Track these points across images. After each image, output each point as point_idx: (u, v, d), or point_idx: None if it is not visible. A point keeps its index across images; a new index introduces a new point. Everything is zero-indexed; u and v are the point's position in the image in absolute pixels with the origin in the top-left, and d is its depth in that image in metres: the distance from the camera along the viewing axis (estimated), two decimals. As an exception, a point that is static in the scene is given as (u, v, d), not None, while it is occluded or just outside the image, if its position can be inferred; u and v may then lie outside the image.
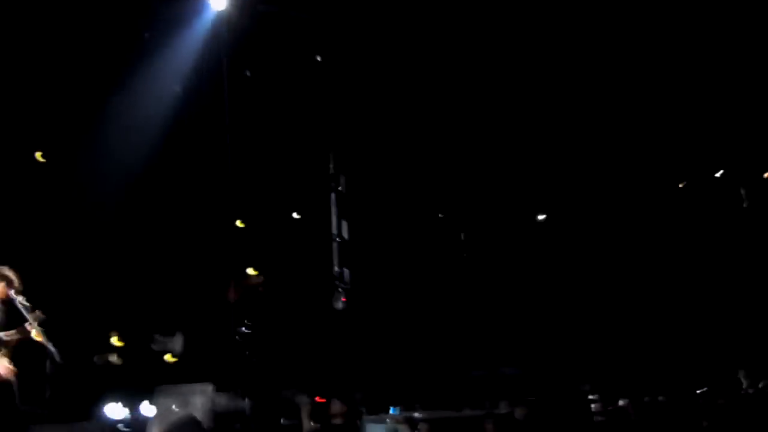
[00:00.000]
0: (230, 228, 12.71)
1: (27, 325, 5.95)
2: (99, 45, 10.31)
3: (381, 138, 11.18)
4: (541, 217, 12.49)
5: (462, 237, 11.74)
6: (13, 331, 5.96)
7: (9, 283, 6.07)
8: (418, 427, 7.31)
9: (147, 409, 9.23)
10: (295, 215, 12.39)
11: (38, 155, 11.36)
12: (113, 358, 11.96)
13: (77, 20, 9.86)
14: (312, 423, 7.14)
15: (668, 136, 11.45)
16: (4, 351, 5.91)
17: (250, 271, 11.81)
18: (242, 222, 12.75)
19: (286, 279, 10.89)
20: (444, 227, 11.78)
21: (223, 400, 8.36)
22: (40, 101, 10.36)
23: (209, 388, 8.18)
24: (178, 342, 9.28)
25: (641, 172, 11.98)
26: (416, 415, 7.84)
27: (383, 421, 7.83)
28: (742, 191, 11.49)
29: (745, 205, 11.48)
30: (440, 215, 11.84)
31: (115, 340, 12.46)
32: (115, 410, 9.52)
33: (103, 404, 9.64)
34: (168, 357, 10.96)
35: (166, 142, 11.48)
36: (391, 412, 7.56)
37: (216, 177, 11.59)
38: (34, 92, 10.14)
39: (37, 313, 6.03)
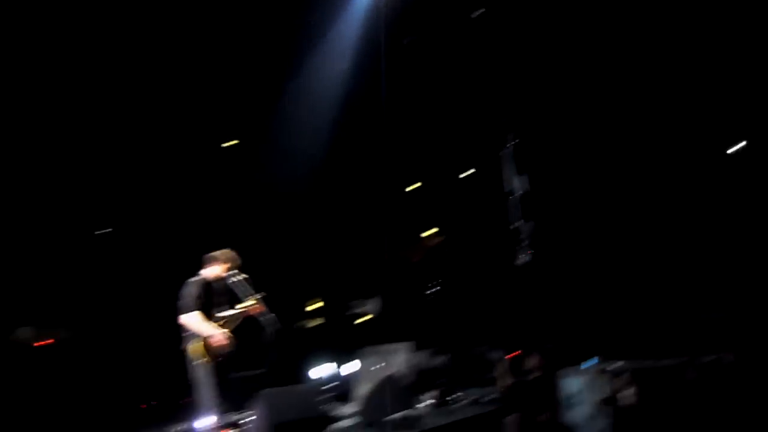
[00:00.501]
0: (405, 192, 13.17)
1: (247, 301, 6.64)
2: (270, 36, 10.97)
3: (549, 87, 10.83)
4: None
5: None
6: (238, 310, 6.68)
7: (229, 264, 6.79)
8: (619, 377, 7.16)
9: (352, 368, 9.93)
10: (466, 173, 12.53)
11: (229, 144, 12.54)
12: (316, 322, 13.00)
13: (248, 18, 10.55)
14: (509, 377, 7.25)
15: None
16: (229, 325, 6.69)
17: (430, 232, 12.15)
18: (415, 186, 13.17)
19: (468, 236, 11.05)
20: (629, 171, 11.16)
21: (422, 358, 8.77)
22: (226, 94, 11.32)
23: (410, 346, 8.60)
24: (374, 305, 9.81)
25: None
26: (615, 365, 7.68)
27: (582, 373, 7.74)
28: None
29: None
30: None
31: (314, 306, 13.55)
32: (323, 370, 10.37)
33: (313, 366, 10.54)
34: (362, 316, 11.67)
35: (339, 118, 12.09)
36: (589, 363, 7.45)
37: (387, 144, 12.00)
38: (218, 87, 11.07)
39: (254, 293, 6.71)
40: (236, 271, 6.82)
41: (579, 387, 8.06)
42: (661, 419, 6.86)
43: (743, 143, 11.07)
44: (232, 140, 12.39)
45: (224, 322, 6.71)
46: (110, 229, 11.09)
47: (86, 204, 10.61)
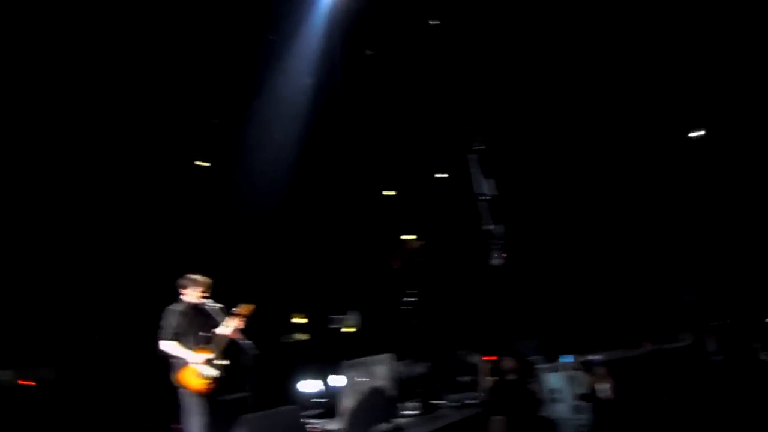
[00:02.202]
0: (381, 199, 13.28)
1: (224, 324, 6.71)
2: (233, 52, 11.02)
3: (513, 91, 10.99)
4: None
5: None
6: (224, 330, 6.74)
7: (203, 287, 6.87)
8: (595, 371, 7.32)
9: (336, 381, 10.00)
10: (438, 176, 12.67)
11: (199, 162, 12.57)
12: (299, 336, 13.05)
13: (211, 33, 10.59)
14: (488, 379, 7.39)
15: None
16: (213, 349, 6.74)
17: (408, 237, 12.26)
18: (390, 191, 13.28)
19: (441, 241, 11.17)
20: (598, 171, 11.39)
21: (404, 367, 8.87)
22: (194, 110, 11.34)
23: (391, 357, 8.69)
24: (353, 319, 9.90)
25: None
26: (591, 358, 7.82)
27: (560, 369, 7.90)
28: None
29: None
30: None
31: (298, 320, 13.61)
32: (311, 385, 10.44)
33: (299, 380, 10.60)
34: (345, 329, 11.75)
35: (307, 129, 12.17)
36: (565, 359, 7.60)
37: (358, 152, 12.13)
38: (187, 101, 11.10)
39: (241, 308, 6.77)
40: (208, 296, 6.86)
41: (559, 383, 8.25)
42: (638, 411, 7.02)
43: (702, 131, 11.36)
44: (202, 160, 12.44)
45: (207, 347, 6.76)
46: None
47: (62, 234, 10.59)
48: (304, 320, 13.28)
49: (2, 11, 8.65)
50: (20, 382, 8.18)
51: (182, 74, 10.71)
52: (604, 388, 7.07)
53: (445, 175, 12.74)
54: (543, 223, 10.77)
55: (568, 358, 7.73)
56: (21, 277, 9.79)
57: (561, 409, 8.22)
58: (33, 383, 8.18)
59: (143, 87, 10.45)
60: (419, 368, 8.74)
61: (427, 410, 8.22)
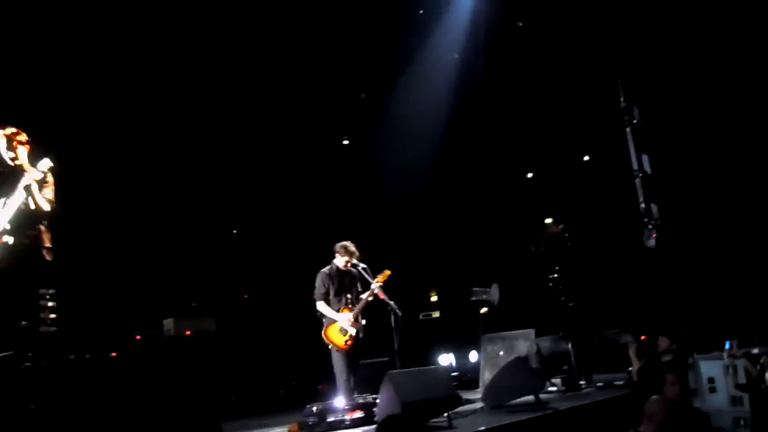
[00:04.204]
0: (525, 181, 13.04)
1: (373, 287, 6.99)
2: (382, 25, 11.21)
3: (675, 60, 10.28)
4: None
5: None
6: (366, 293, 7.08)
7: (352, 255, 7.21)
8: (761, 361, 6.75)
9: (476, 356, 10.00)
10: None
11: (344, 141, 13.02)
12: (435, 314, 13.20)
13: (360, 6, 10.83)
14: (640, 361, 7.05)
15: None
16: (358, 310, 7.05)
17: (548, 220, 11.97)
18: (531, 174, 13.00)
19: (592, 221, 10.78)
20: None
21: (546, 344, 8.70)
22: (342, 84, 11.70)
23: (531, 333, 8.57)
24: (494, 291, 9.84)
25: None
26: (755, 350, 7.25)
27: (720, 358, 7.38)
28: None
29: None
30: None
31: (433, 296, 13.77)
32: (450, 358, 10.53)
33: (438, 354, 10.73)
34: (483, 310, 11.71)
35: (452, 106, 12.18)
36: (726, 347, 7.07)
37: (501, 130, 11.95)
38: (335, 75, 11.47)
39: (379, 277, 7.07)
40: (357, 261, 7.21)
41: (716, 372, 7.72)
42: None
43: None
44: (346, 138, 12.87)
45: (353, 308, 7.10)
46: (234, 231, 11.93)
47: (220, 204, 11.42)
48: (437, 298, 13.45)
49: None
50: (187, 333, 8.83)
51: (331, 47, 11.07)
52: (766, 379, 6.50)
53: (590, 157, 12.22)
54: (708, 202, 9.99)
55: (727, 346, 7.18)
56: (188, 231, 10.67)
57: (717, 400, 7.72)
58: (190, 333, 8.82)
59: (290, 61, 10.90)
60: (563, 345, 8.54)
61: (571, 388, 8.01)
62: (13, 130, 5.53)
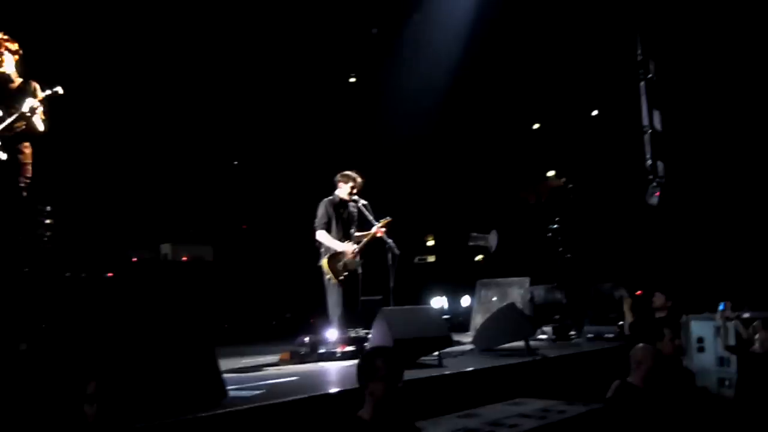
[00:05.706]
0: (531, 132, 12.89)
1: (375, 228, 6.86)
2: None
3: (695, 16, 9.98)
4: None
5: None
6: (372, 229, 6.89)
7: (355, 182, 7.03)
8: (754, 324, 6.79)
9: (466, 301, 10.11)
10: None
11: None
12: (431, 258, 13.25)
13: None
14: (633, 315, 7.07)
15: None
16: (359, 243, 6.97)
17: (551, 173, 11.90)
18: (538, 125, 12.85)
19: (596, 175, 10.70)
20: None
21: (540, 292, 8.76)
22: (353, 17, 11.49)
23: (526, 281, 8.61)
24: (493, 238, 9.84)
25: None
26: (746, 313, 7.29)
27: (711, 319, 7.44)
28: None
29: None
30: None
31: (430, 240, 13.80)
32: (443, 301, 10.63)
33: (429, 297, 10.81)
34: (479, 257, 11.76)
35: (464, 51, 11.94)
36: (720, 308, 7.11)
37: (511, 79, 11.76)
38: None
39: (381, 221, 6.93)
40: (357, 196, 7.04)
41: (706, 332, 7.79)
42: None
43: None
44: (353, 74, 12.64)
45: (355, 240, 6.98)
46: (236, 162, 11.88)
47: (224, 135, 11.31)
48: (433, 242, 13.48)
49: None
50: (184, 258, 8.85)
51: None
52: (756, 341, 6.54)
53: (599, 111, 12.04)
54: (704, 163, 9.86)
55: (721, 307, 7.22)
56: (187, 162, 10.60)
57: (705, 360, 7.82)
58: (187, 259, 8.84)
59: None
60: (557, 295, 8.60)
61: (561, 337, 8.10)
62: (2, 36, 5.32)
